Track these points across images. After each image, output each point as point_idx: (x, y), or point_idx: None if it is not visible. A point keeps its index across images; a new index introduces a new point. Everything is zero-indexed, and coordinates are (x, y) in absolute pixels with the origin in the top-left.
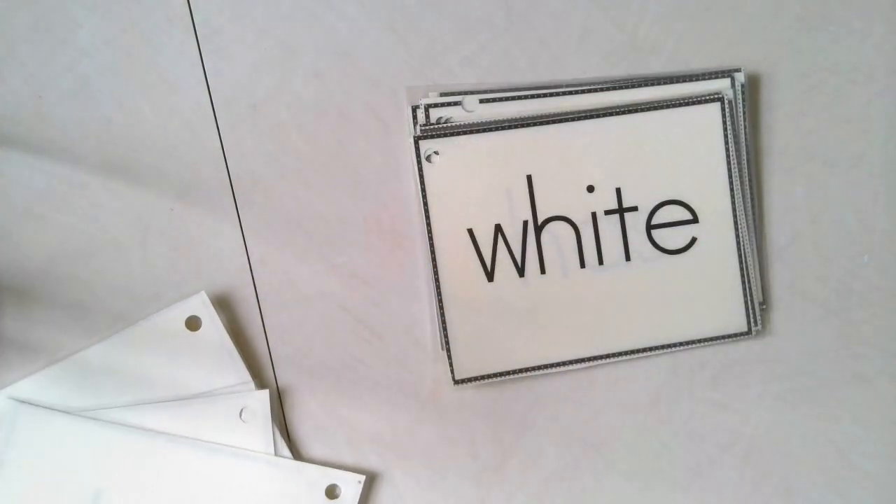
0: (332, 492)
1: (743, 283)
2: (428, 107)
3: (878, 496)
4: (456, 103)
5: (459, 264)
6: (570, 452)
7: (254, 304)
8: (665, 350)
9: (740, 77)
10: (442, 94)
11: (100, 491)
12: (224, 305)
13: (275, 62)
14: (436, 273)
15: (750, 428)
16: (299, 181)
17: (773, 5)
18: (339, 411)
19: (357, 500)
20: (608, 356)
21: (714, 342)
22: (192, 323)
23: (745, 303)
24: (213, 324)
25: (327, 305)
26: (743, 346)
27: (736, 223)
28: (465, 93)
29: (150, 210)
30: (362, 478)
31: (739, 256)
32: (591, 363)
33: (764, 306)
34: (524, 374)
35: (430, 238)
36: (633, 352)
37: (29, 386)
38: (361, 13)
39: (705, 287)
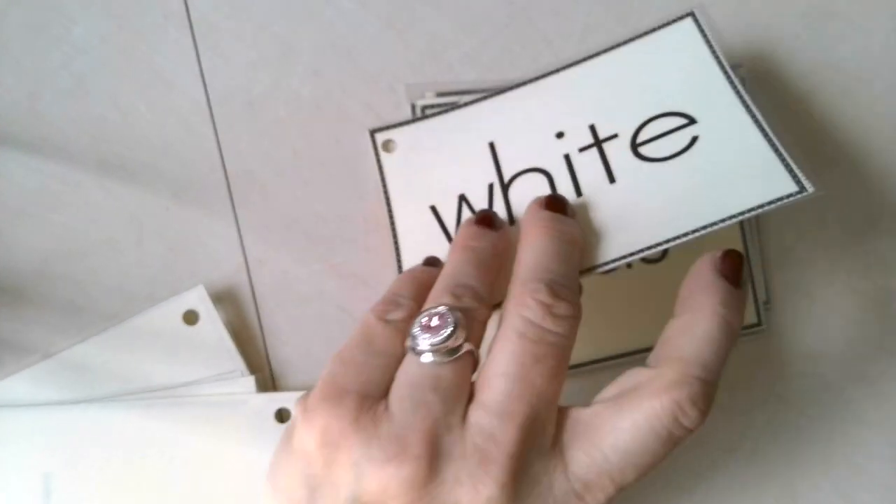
0: (281, 416)
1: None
2: (424, 108)
3: (884, 499)
4: (452, 104)
5: (423, 244)
6: None
7: (251, 304)
8: None
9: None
10: (439, 94)
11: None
12: (220, 306)
13: (272, 59)
14: (399, 260)
15: (754, 430)
16: (297, 180)
17: (777, 1)
18: None
19: None
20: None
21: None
22: (190, 317)
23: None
24: (210, 319)
25: (326, 306)
26: (747, 347)
27: (749, 110)
28: (463, 92)
29: (145, 209)
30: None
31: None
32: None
33: (768, 305)
34: None
35: (393, 226)
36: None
37: (23, 380)
38: (360, 9)
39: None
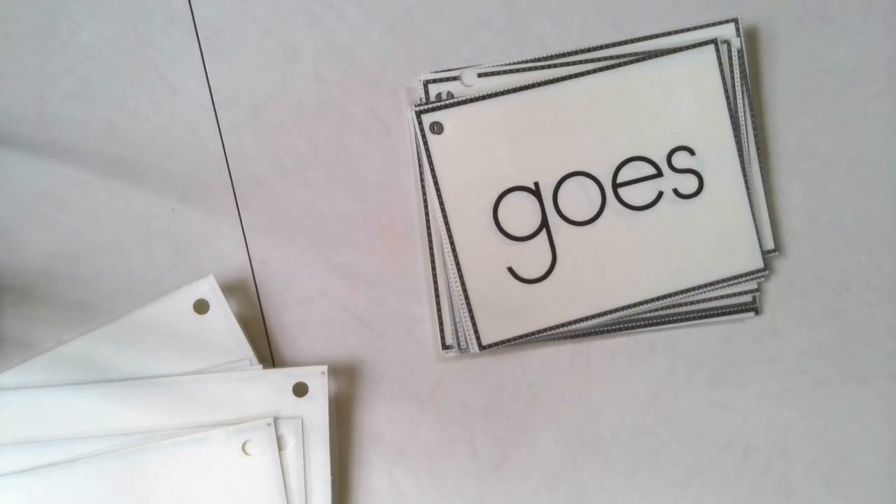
0: (300, 390)
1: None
2: (427, 83)
3: (876, 494)
4: (454, 78)
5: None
6: (569, 451)
7: (255, 304)
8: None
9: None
10: (438, 96)
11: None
12: None
13: (276, 63)
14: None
15: (748, 427)
16: (300, 182)
17: (772, 7)
18: (339, 411)
19: (325, 390)
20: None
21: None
22: (200, 307)
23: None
24: (220, 308)
25: (328, 305)
26: (742, 345)
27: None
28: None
29: (151, 210)
30: (324, 368)
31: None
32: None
33: (776, 253)
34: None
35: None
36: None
37: (34, 368)
38: (362, 14)
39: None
